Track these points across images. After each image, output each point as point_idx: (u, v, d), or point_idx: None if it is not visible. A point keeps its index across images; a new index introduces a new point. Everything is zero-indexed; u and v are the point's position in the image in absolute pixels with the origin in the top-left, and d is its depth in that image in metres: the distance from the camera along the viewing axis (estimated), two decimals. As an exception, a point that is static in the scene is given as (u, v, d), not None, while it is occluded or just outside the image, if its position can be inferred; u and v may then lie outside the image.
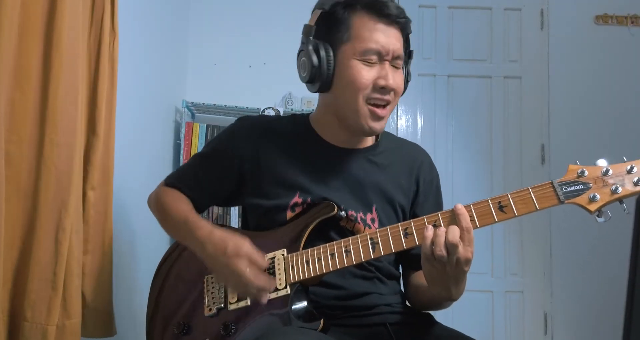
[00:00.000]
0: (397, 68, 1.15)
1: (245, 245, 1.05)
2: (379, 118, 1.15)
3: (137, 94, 2.02)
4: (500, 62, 3.24)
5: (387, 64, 1.13)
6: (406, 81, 1.21)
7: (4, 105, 1.07)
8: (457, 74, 3.24)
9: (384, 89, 1.12)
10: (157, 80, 2.35)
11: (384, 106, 1.15)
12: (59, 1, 1.18)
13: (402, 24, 1.15)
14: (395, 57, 1.14)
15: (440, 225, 0.99)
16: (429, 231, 0.97)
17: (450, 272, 0.97)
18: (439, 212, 1.01)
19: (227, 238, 1.07)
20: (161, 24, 2.41)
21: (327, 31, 1.15)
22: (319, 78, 1.14)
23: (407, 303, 1.24)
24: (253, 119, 1.27)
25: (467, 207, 1.00)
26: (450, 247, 0.94)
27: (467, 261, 0.96)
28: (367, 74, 1.12)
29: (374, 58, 1.12)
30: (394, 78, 1.13)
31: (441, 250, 0.95)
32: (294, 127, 1.25)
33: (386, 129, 1.30)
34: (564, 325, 3.02)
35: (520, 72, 3.23)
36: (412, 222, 1.03)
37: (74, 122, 1.24)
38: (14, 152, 1.12)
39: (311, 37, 1.14)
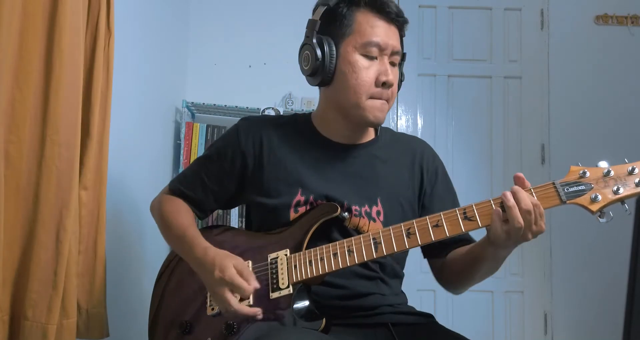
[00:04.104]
0: (394, 64, 1.19)
1: (228, 270, 1.05)
2: (381, 110, 1.17)
3: (137, 94, 2.02)
4: (500, 62, 3.24)
5: (386, 58, 1.17)
6: (400, 81, 1.24)
7: (4, 105, 1.07)
8: (457, 74, 3.24)
9: (385, 85, 1.15)
10: (157, 80, 2.35)
11: (383, 101, 1.18)
12: (60, 0, 1.18)
13: (400, 23, 1.20)
14: (394, 53, 1.18)
15: (443, 226, 1.00)
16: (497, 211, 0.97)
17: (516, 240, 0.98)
18: (441, 213, 1.02)
19: (216, 261, 1.07)
20: (161, 24, 2.41)
21: (330, 27, 1.18)
22: (321, 72, 1.16)
23: (445, 285, 1.24)
24: (254, 118, 1.29)
25: (469, 207, 1.00)
26: (525, 215, 0.95)
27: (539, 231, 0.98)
28: (368, 70, 1.15)
29: (375, 51, 1.15)
30: (393, 73, 1.18)
31: (519, 222, 0.95)
32: (295, 125, 1.27)
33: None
34: (564, 325, 3.02)
35: (520, 72, 3.23)
36: (414, 222, 1.03)
37: (75, 122, 1.24)
38: (14, 152, 1.12)
39: (315, 31, 1.17)
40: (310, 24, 1.19)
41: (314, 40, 1.16)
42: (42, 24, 1.16)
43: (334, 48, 1.16)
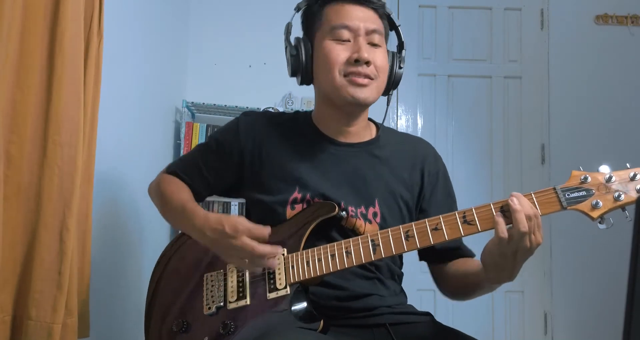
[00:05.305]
0: (375, 45, 1.17)
1: (240, 221, 1.03)
2: (358, 85, 1.15)
3: (137, 94, 2.02)
4: (500, 62, 3.25)
5: (360, 38, 1.15)
6: (399, 67, 1.22)
7: (5, 105, 1.07)
8: (457, 74, 3.25)
9: (358, 62, 1.14)
10: (157, 80, 2.35)
11: (363, 77, 1.15)
12: (61, 0, 1.18)
13: (373, 5, 1.18)
14: (370, 32, 1.16)
15: (442, 229, 1.00)
16: (500, 217, 0.96)
17: (520, 254, 0.99)
18: (440, 216, 1.02)
19: (222, 220, 1.05)
20: (161, 24, 2.41)
21: (306, 28, 1.23)
22: (299, 69, 1.20)
23: (443, 294, 1.25)
24: (256, 114, 1.29)
25: (468, 210, 1.00)
26: (530, 219, 0.94)
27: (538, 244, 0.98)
28: (340, 52, 1.15)
29: (345, 33, 1.15)
30: (370, 52, 1.15)
31: (525, 227, 0.94)
32: (295, 122, 1.27)
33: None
34: (564, 325, 3.03)
35: (520, 72, 3.24)
36: (413, 225, 1.03)
37: (77, 122, 1.23)
38: (15, 152, 1.12)
39: (289, 34, 1.22)
40: (285, 29, 1.23)
41: (288, 43, 1.21)
42: (43, 24, 1.16)
43: (308, 44, 1.19)
